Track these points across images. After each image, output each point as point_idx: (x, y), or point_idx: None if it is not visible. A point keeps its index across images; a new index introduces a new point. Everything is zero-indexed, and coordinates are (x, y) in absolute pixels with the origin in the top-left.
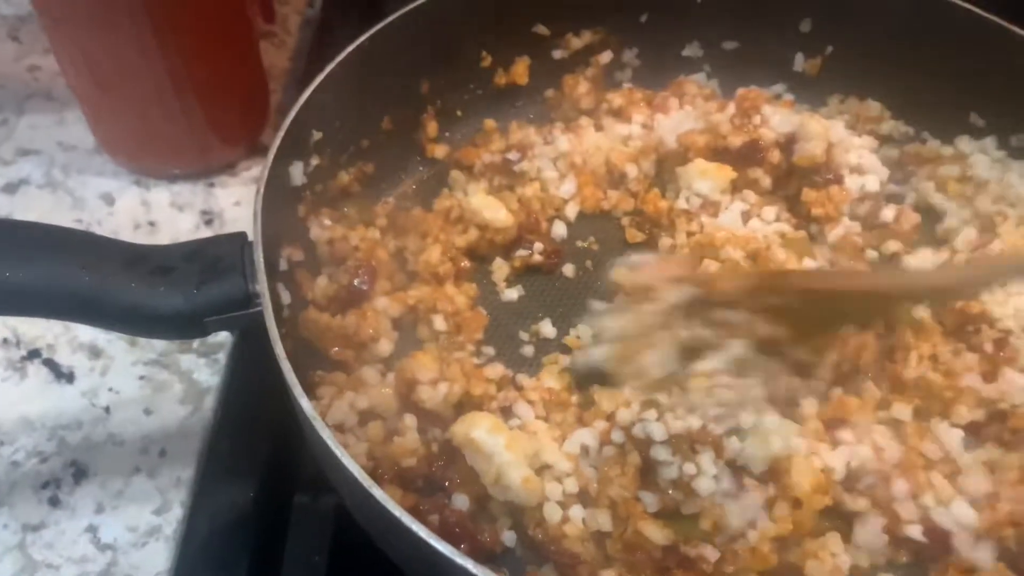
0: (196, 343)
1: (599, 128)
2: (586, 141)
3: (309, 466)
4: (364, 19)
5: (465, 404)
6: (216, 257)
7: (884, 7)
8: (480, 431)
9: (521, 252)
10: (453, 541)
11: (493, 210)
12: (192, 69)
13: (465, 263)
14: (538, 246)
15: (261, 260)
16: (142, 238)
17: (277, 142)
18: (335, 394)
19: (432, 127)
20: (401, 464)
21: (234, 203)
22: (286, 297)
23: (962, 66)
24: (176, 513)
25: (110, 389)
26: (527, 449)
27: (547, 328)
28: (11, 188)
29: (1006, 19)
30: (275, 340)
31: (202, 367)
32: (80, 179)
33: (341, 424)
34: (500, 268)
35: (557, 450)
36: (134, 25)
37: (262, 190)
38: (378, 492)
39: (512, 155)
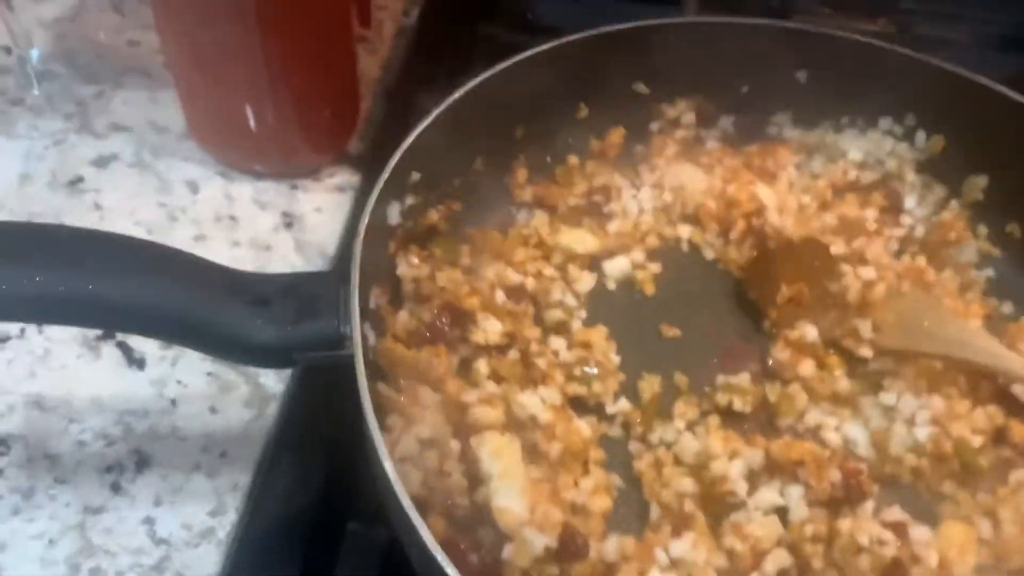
0: None
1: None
2: (681, 176)
3: (366, 495)
4: (458, 36)
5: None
6: (313, 295)
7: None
8: (484, 450)
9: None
10: None
11: (578, 238)
12: (290, 67)
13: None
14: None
15: (356, 304)
16: (222, 232)
17: (380, 185)
18: (403, 426)
19: (522, 173)
20: (454, 499)
21: (315, 209)
22: (371, 337)
23: None
24: (231, 518)
25: (178, 382)
26: (520, 484)
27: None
28: (102, 162)
29: None
30: (363, 391)
31: (269, 373)
32: (168, 162)
33: (405, 456)
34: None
35: (547, 502)
36: (239, 13)
37: (362, 233)
38: (426, 535)
39: (598, 197)
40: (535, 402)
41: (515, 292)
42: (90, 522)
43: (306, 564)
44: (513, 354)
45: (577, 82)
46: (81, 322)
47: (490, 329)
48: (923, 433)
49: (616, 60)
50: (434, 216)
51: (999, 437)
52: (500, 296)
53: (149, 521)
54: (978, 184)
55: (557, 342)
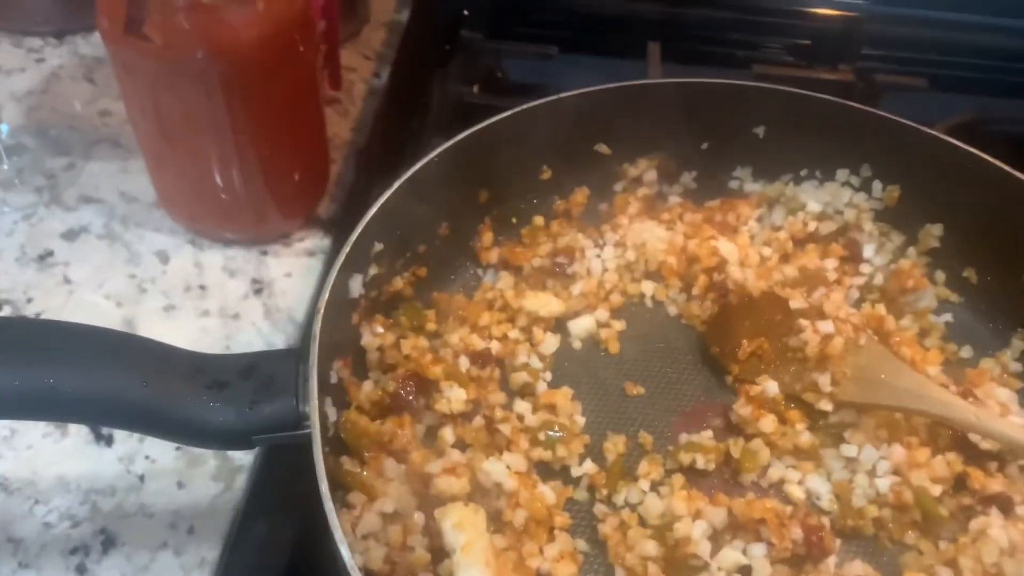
0: None
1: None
2: (644, 234)
3: (335, 563)
4: (428, 95)
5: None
6: (271, 375)
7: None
8: (447, 523)
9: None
10: None
11: (543, 301)
12: (259, 141)
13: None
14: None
15: (315, 384)
16: (192, 302)
17: (340, 261)
18: (365, 503)
19: (487, 237)
20: (417, 574)
21: (285, 274)
22: (332, 413)
23: None
24: None
25: (146, 457)
26: (484, 556)
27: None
28: (72, 235)
29: None
30: (320, 475)
31: None
32: (138, 232)
33: (368, 533)
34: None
35: (511, 572)
36: (208, 94)
37: (322, 310)
38: None
39: (561, 259)
40: (500, 469)
41: (480, 357)
42: None
43: None
44: (478, 420)
45: (540, 145)
46: (40, 417)
47: (454, 398)
48: (884, 484)
49: (578, 123)
50: (399, 283)
51: (959, 484)
52: (465, 363)
53: None
54: (933, 232)
55: (522, 406)
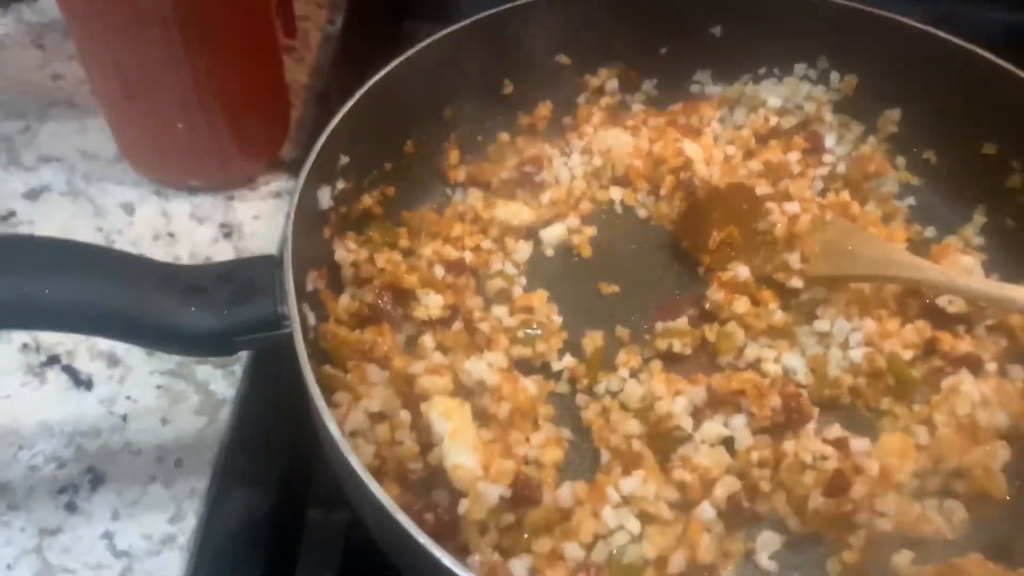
0: None
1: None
2: (609, 140)
3: (322, 481)
4: (383, 37)
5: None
6: (247, 279)
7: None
8: (434, 412)
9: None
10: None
11: (513, 211)
12: (217, 81)
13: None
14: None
15: (291, 284)
16: (161, 249)
17: (307, 168)
18: (351, 402)
19: (454, 154)
20: (407, 465)
21: (253, 216)
22: (311, 318)
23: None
24: (190, 523)
25: (127, 398)
26: (472, 441)
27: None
28: (33, 194)
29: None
30: (304, 364)
31: (219, 378)
32: (101, 187)
33: (355, 431)
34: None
35: (499, 458)
36: (164, 33)
37: (292, 215)
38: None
39: (529, 168)
40: (481, 367)
41: (455, 266)
42: (47, 543)
43: (269, 557)
44: (457, 325)
45: (500, 59)
46: (18, 325)
47: (432, 304)
48: (857, 354)
49: (535, 34)
50: (368, 201)
51: (929, 349)
52: (440, 271)
53: (108, 536)
54: (892, 117)
55: (499, 310)
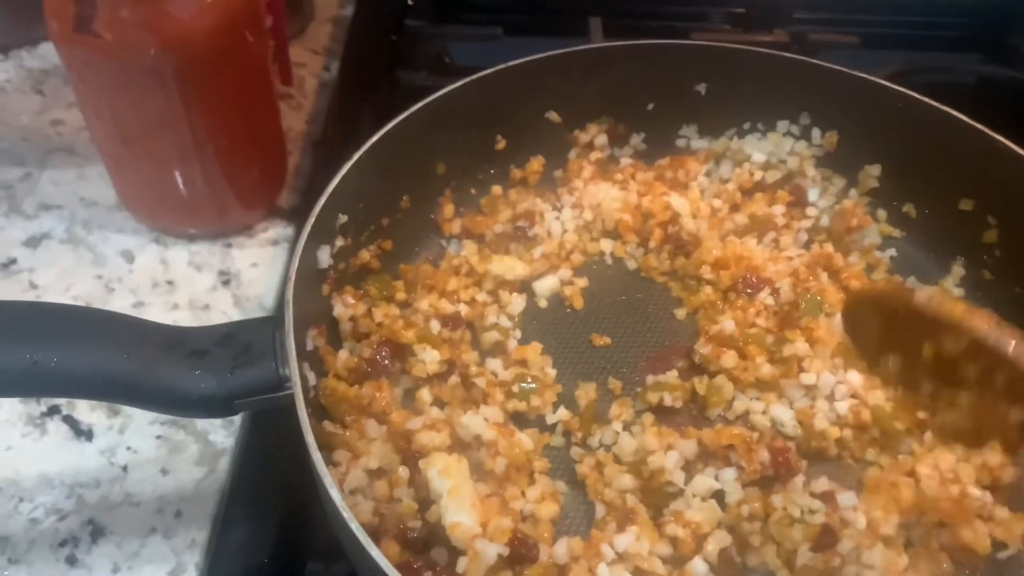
0: None
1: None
2: (599, 195)
3: (322, 533)
4: (378, 84)
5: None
6: (249, 342)
7: (873, 96)
8: (432, 470)
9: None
10: None
11: (507, 265)
12: (215, 133)
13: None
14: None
15: (292, 346)
16: (160, 297)
17: (307, 230)
18: (350, 460)
19: (449, 208)
20: (406, 523)
21: (251, 264)
22: (311, 377)
23: None
24: (191, 575)
25: (128, 448)
26: (470, 498)
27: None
28: (33, 242)
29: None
30: (305, 426)
31: (218, 428)
32: (101, 235)
33: (355, 488)
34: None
35: (496, 514)
36: (163, 89)
37: (293, 277)
38: (377, 555)
39: (522, 223)
40: (478, 422)
41: (450, 320)
42: None
43: None
44: (454, 379)
45: (492, 116)
46: (27, 393)
47: (429, 359)
48: (843, 406)
49: (527, 92)
50: (366, 256)
51: None
52: (436, 326)
53: None
54: (872, 172)
55: (494, 363)
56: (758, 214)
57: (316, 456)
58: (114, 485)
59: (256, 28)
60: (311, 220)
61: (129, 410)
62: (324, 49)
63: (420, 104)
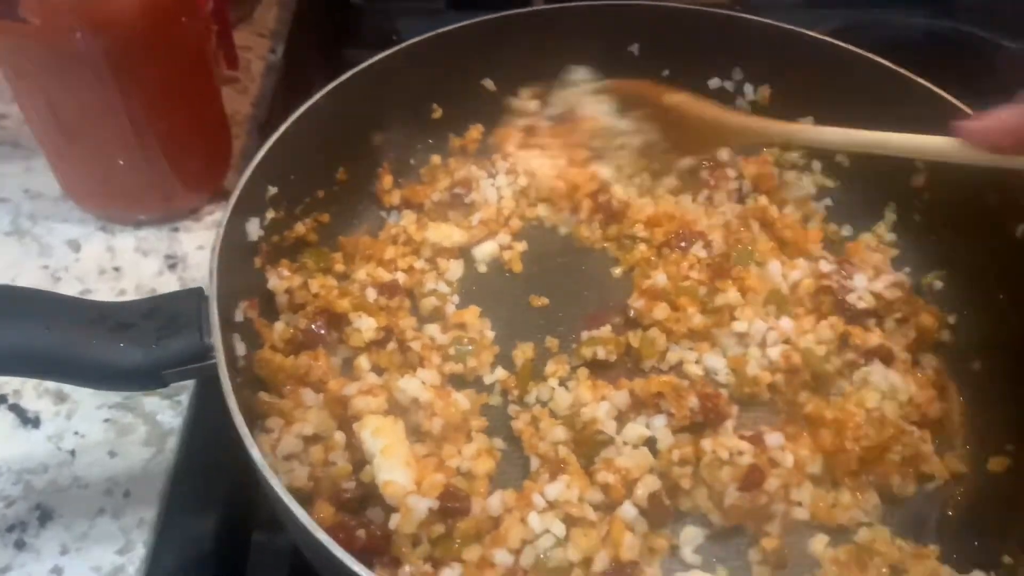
0: None
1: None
2: (532, 162)
3: (267, 505)
4: (325, 65)
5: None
6: (174, 313)
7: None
8: (366, 431)
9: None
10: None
11: (445, 232)
12: (154, 118)
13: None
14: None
15: (216, 315)
16: (107, 284)
17: (232, 202)
18: (283, 427)
19: (387, 179)
20: (340, 485)
21: (197, 247)
22: (241, 348)
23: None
24: (139, 553)
25: (75, 433)
26: (404, 457)
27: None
28: None
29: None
30: (228, 393)
31: (165, 409)
32: (47, 226)
33: (290, 454)
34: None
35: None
36: (96, 76)
37: (218, 248)
38: (325, 538)
39: (459, 190)
40: (415, 385)
41: (388, 288)
42: None
43: None
44: (391, 346)
45: (428, 85)
46: None
47: (365, 327)
48: (775, 352)
49: (461, 59)
50: (302, 228)
51: (842, 344)
52: (373, 294)
53: (57, 571)
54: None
55: (432, 328)
56: (687, 174)
57: (238, 419)
58: (62, 469)
59: (191, 11)
60: (236, 192)
61: (77, 396)
62: (271, 32)
63: (350, 73)
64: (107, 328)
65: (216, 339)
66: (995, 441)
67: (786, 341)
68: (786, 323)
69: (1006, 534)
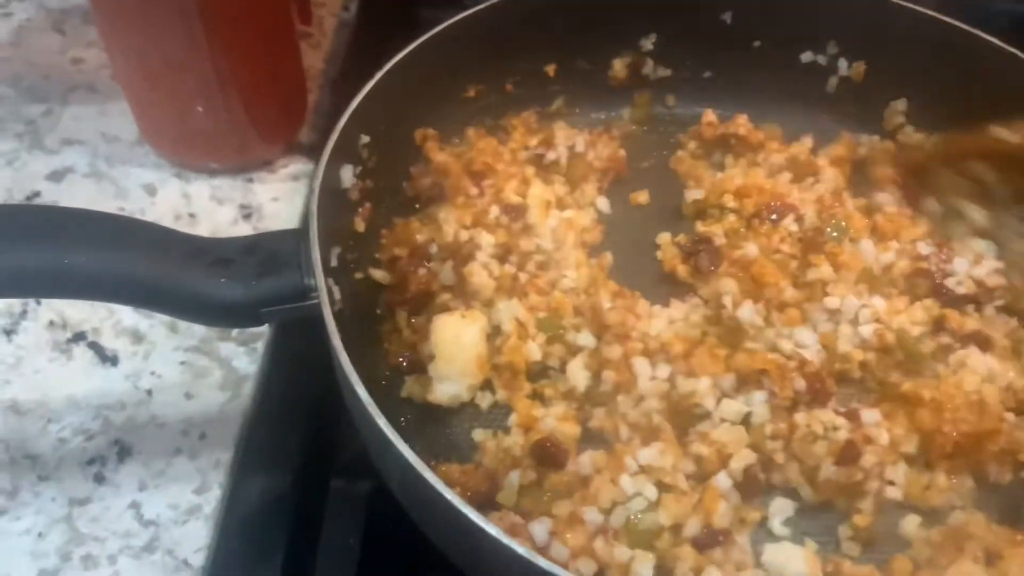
0: (235, 332)
1: None
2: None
3: (344, 452)
4: (397, 24)
5: None
6: (273, 252)
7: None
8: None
9: None
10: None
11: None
12: (237, 66)
13: None
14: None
15: (318, 255)
16: (183, 228)
17: (329, 147)
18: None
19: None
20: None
21: (272, 199)
22: (336, 292)
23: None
24: (215, 493)
25: (152, 373)
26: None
27: None
28: (57, 176)
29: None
30: (332, 331)
31: (241, 355)
32: (123, 169)
33: None
34: None
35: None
36: (184, 20)
37: (317, 190)
38: (430, 476)
39: (541, 150)
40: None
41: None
42: (77, 513)
43: (294, 525)
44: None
45: (549, 37)
46: (49, 293)
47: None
48: (867, 330)
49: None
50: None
51: (937, 327)
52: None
53: (135, 505)
54: (899, 107)
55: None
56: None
57: (343, 357)
58: (140, 408)
59: None
60: (333, 137)
61: (153, 336)
62: None
63: (440, 27)
64: (208, 262)
65: (320, 279)
66: None
67: (878, 320)
68: (878, 301)
69: None
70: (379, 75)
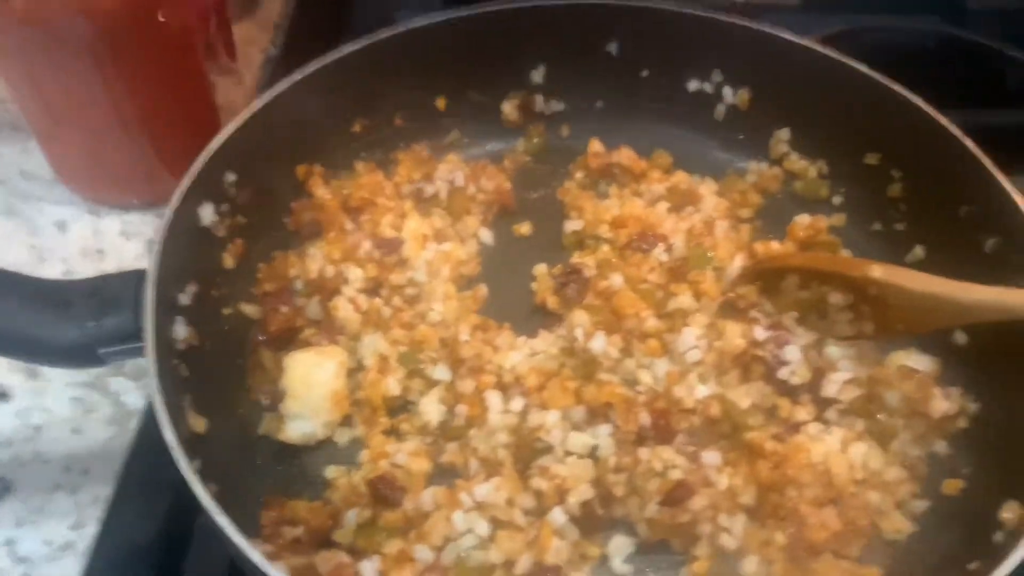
0: (127, 366)
1: None
2: None
3: None
4: (323, 55)
5: None
6: (114, 293)
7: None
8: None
9: None
10: None
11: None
12: (140, 104)
13: None
14: None
15: (151, 297)
16: (90, 265)
17: (183, 188)
18: None
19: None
20: None
21: None
22: (181, 331)
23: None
24: (91, 529)
25: (43, 409)
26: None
27: None
28: None
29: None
30: (152, 374)
31: (131, 390)
32: (37, 206)
33: None
34: None
35: None
36: (78, 60)
37: (163, 230)
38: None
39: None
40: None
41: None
42: None
43: (161, 560)
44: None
45: (437, 71)
46: None
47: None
48: (702, 391)
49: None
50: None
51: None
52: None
53: (9, 543)
54: (783, 137)
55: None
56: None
57: (158, 400)
58: (26, 444)
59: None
60: (189, 176)
61: (49, 373)
62: (274, 26)
63: (326, 60)
64: (45, 305)
65: (147, 320)
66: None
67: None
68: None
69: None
70: (246, 115)
